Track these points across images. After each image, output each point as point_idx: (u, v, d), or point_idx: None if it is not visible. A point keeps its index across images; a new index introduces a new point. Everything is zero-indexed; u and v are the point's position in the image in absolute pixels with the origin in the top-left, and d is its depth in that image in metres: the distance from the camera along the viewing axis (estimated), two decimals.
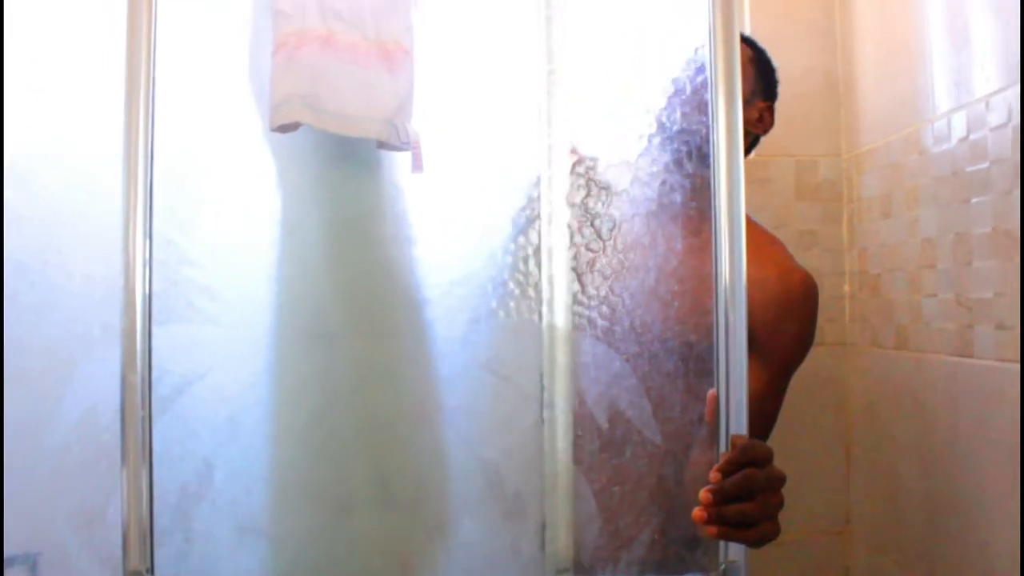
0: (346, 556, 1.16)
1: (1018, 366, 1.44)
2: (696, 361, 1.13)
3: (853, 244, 2.12)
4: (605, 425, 1.15)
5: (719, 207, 0.99)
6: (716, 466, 0.98)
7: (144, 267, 0.98)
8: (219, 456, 1.15)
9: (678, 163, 1.17)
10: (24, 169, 1.11)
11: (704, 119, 1.03)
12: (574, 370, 1.16)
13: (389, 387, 1.18)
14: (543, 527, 1.14)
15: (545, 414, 1.15)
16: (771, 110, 1.58)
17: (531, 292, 1.16)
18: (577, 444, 1.15)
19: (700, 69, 1.14)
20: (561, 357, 1.16)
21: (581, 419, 1.15)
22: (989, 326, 1.54)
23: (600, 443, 1.15)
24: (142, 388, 0.98)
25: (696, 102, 1.14)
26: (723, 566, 1.00)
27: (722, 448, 0.98)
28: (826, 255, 2.13)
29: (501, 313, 1.15)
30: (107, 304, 1.11)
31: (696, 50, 1.16)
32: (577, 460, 1.15)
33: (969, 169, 1.60)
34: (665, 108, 1.19)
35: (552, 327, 1.16)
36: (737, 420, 0.98)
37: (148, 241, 0.98)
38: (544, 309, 1.15)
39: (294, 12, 1.10)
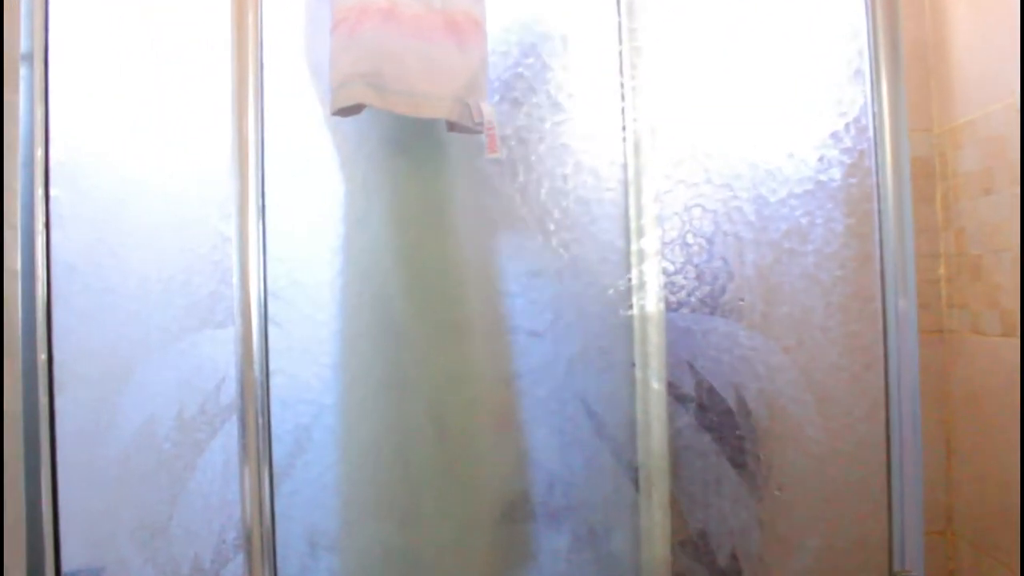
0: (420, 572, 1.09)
1: None
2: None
3: (949, 224, 1.98)
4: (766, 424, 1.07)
5: (884, 184, 0.92)
6: None
7: (259, 266, 0.93)
8: (287, 466, 1.09)
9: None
10: (71, 167, 1.06)
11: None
12: (667, 357, 1.09)
13: (466, 388, 1.10)
14: (637, 540, 1.06)
15: (639, 409, 1.08)
16: None
17: (619, 277, 1.08)
18: (734, 447, 1.08)
19: None
20: (655, 340, 1.08)
21: (739, 418, 1.07)
22: None
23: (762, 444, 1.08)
24: (261, 386, 0.92)
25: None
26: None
27: (893, 439, 0.91)
28: (919, 236, 2.00)
29: (588, 303, 1.08)
30: (164, 306, 1.08)
31: None
32: (737, 464, 1.07)
33: None
34: None
35: (644, 312, 1.08)
36: (912, 415, 0.91)
37: (263, 241, 0.93)
38: (634, 297, 1.07)
39: None
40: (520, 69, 1.11)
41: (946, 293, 2.00)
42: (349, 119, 1.05)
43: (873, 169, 0.96)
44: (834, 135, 1.09)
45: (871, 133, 0.97)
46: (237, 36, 0.93)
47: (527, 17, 1.11)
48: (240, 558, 0.95)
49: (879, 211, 0.95)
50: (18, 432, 1.00)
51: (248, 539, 0.93)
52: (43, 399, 1.02)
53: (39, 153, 1.03)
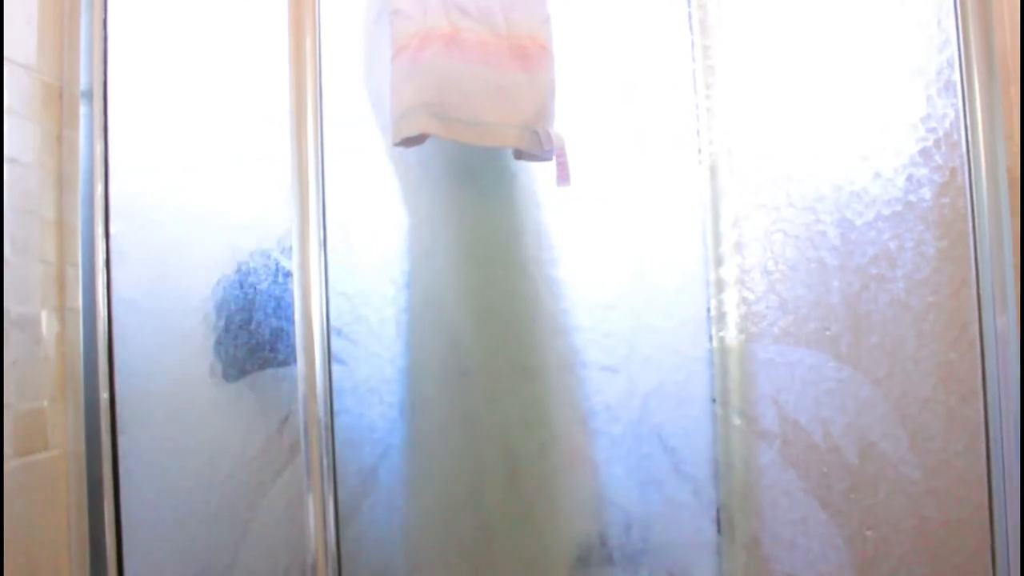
0: None
1: None
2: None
3: None
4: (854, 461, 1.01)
5: (980, 200, 0.85)
6: None
7: (322, 302, 0.90)
8: (353, 508, 1.06)
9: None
10: (132, 203, 1.04)
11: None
12: (749, 392, 1.03)
13: (538, 426, 1.06)
14: None
15: (720, 446, 1.02)
16: None
17: (697, 308, 1.03)
18: (821, 485, 1.02)
19: None
20: (736, 374, 1.03)
21: (828, 454, 1.02)
22: None
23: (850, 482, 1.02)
24: (325, 426, 0.89)
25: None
26: None
27: (995, 476, 0.84)
28: None
29: (664, 336, 1.03)
30: (226, 343, 1.05)
31: None
32: (824, 503, 1.01)
33: None
34: None
35: (724, 344, 1.03)
36: (1013, 447, 0.84)
37: (325, 275, 0.90)
38: (713, 328, 1.02)
39: (414, 11, 0.99)
40: (595, 90, 1.07)
41: None
42: (412, 149, 1.02)
43: (967, 186, 0.90)
44: (924, 152, 1.02)
45: (964, 148, 0.90)
46: (295, 67, 0.90)
47: (601, 38, 1.07)
48: None
49: (974, 227, 0.89)
50: (81, 473, 0.98)
51: None
52: (106, 439, 1.00)
53: (99, 189, 1.01)
